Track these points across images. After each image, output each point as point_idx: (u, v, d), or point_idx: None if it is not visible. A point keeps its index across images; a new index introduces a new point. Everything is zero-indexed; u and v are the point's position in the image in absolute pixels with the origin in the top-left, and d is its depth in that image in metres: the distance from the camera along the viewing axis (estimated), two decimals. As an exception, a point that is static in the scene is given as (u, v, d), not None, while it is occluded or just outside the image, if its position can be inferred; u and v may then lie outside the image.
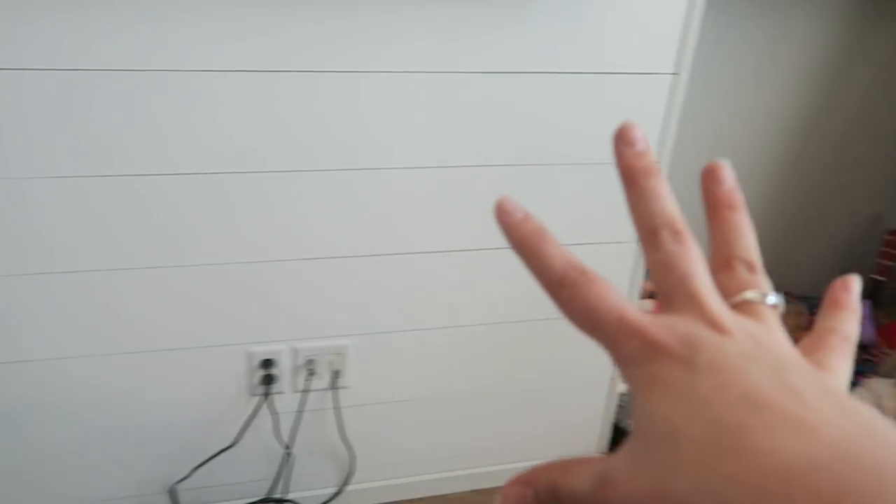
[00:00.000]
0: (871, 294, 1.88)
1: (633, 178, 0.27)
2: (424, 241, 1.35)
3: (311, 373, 1.40)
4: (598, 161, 1.35)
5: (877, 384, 1.45)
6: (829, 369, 0.25)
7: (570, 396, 1.61)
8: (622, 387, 1.67)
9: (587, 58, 1.25)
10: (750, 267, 0.27)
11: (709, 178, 0.29)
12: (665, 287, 0.25)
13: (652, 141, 1.35)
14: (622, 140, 0.28)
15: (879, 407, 1.40)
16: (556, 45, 1.22)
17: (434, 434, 1.57)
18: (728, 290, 0.26)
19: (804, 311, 1.87)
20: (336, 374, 1.43)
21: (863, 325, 1.81)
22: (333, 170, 1.23)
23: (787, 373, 0.21)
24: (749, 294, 0.26)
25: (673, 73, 1.30)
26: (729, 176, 0.29)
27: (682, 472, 0.20)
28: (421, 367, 1.48)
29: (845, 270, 1.76)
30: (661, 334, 0.23)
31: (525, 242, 0.26)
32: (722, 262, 0.28)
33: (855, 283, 0.29)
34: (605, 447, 1.70)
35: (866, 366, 1.80)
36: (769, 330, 0.24)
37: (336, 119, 1.19)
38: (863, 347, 1.83)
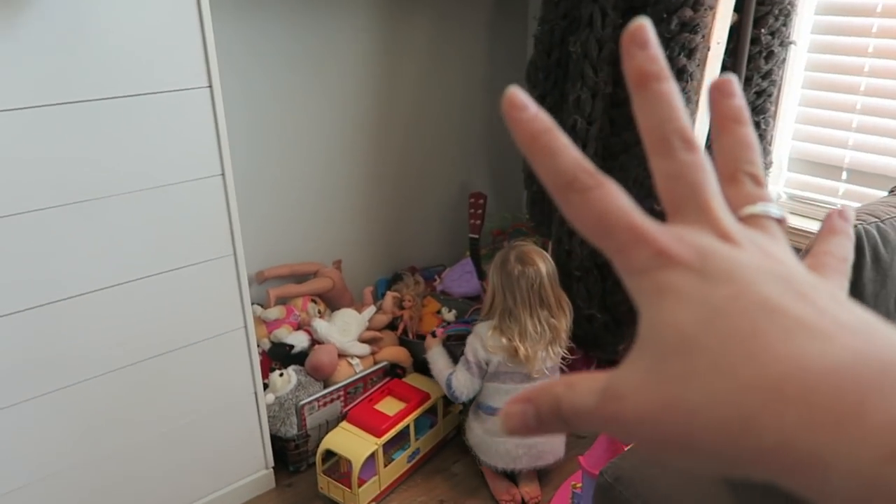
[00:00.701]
0: (472, 252, 2.18)
1: (643, 82, 0.26)
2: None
3: None
4: (165, 183, 1.34)
5: (480, 328, 1.66)
6: (831, 282, 0.26)
7: (219, 422, 1.57)
8: (270, 398, 1.69)
9: (108, 83, 1.23)
10: (756, 181, 0.27)
11: (717, 92, 0.28)
12: (674, 197, 0.25)
13: (211, 157, 1.39)
14: (634, 41, 0.26)
15: (484, 348, 1.61)
16: (60, 74, 1.17)
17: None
18: (735, 203, 0.26)
19: (422, 282, 2.09)
20: None
21: (470, 280, 2.07)
22: None
23: (797, 282, 0.21)
24: (757, 207, 0.26)
25: (208, 86, 1.35)
26: (738, 90, 0.28)
27: (696, 382, 0.20)
28: (30, 444, 1.31)
29: (447, 236, 1.99)
30: (673, 243, 0.22)
31: (536, 140, 0.24)
32: (728, 175, 0.27)
33: (851, 212, 0.30)
34: (270, 460, 1.69)
35: (474, 315, 2.07)
36: (777, 242, 0.24)
37: None
38: (472, 298, 2.11)
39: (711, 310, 0.21)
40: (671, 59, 1.49)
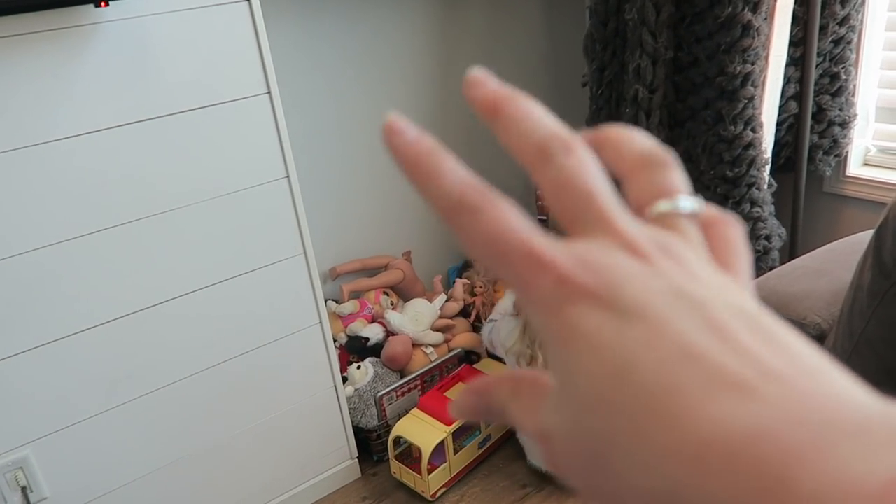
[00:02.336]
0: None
1: (493, 110, 0.24)
2: (80, 319, 1.29)
3: (-7, 499, 1.27)
4: (235, 189, 1.40)
5: (505, 323, 1.62)
6: (735, 270, 0.23)
7: (301, 416, 1.63)
8: (349, 390, 1.73)
9: (174, 99, 1.28)
10: (657, 166, 0.24)
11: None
12: (565, 209, 0.22)
13: (275, 160, 1.43)
14: (470, 86, 0.24)
15: (503, 346, 1.59)
16: (131, 94, 1.24)
17: (181, 502, 1.50)
18: (639, 201, 0.23)
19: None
20: (25, 490, 1.30)
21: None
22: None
23: (714, 308, 0.19)
24: (661, 205, 0.23)
25: (267, 93, 1.38)
26: None
27: (618, 447, 0.18)
28: (130, 445, 1.40)
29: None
30: (576, 268, 0.20)
31: (419, 164, 0.22)
32: (626, 169, 0.24)
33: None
34: (354, 451, 1.74)
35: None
36: (689, 245, 0.22)
37: None
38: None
39: (624, 358, 0.18)
40: (734, 16, 1.41)
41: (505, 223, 0.21)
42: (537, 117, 0.23)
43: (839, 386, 0.17)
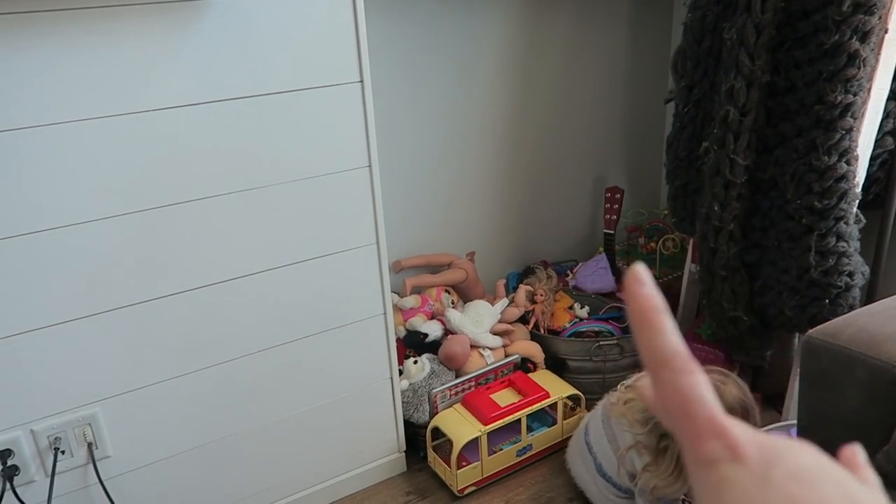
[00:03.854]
0: (606, 248, 2.12)
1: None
2: (156, 287, 1.32)
3: (61, 451, 1.31)
4: (318, 174, 1.41)
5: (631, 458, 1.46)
6: (871, 483, 0.27)
7: (354, 406, 1.64)
8: (404, 384, 1.73)
9: (274, 79, 1.31)
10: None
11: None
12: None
13: (360, 148, 1.44)
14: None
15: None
16: (231, 71, 1.26)
17: (230, 476, 1.53)
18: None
19: (554, 276, 2.07)
20: (91, 447, 1.34)
21: (604, 276, 2.02)
22: (38, 232, 1.17)
23: (847, 484, 0.23)
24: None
25: (359, 82, 1.40)
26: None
27: None
28: (190, 414, 1.43)
29: (580, 231, 1.95)
30: (746, 441, 0.24)
31: (648, 314, 0.26)
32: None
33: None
34: (403, 445, 1.74)
35: (613, 312, 2.02)
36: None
37: (41, 178, 1.14)
38: (606, 295, 2.06)
39: None
40: (840, 44, 1.37)
41: (700, 391, 0.25)
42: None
43: None
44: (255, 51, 1.28)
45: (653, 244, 2.23)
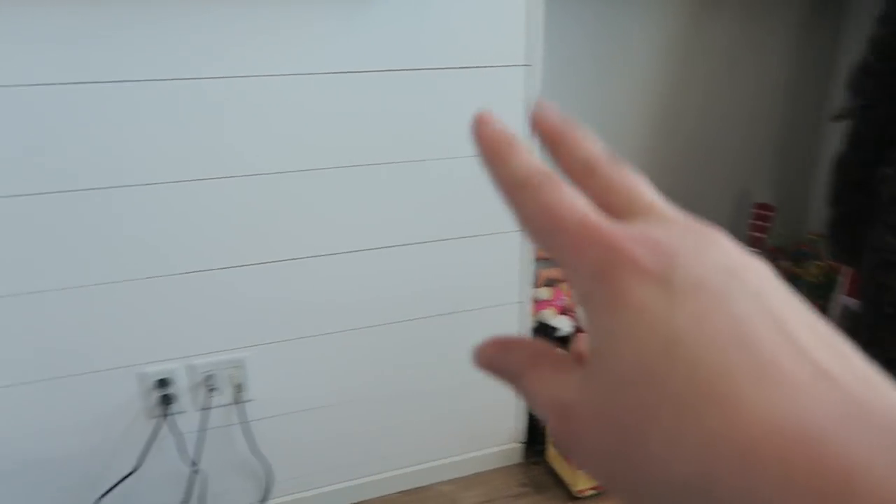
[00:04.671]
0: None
1: (550, 140, 0.24)
2: (310, 246, 1.38)
3: (212, 388, 1.40)
4: (466, 154, 1.43)
5: None
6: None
7: (479, 390, 1.65)
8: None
9: (440, 54, 1.34)
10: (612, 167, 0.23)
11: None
12: (615, 208, 0.22)
13: (517, 129, 1.45)
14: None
15: None
16: (404, 44, 1.30)
17: (352, 439, 1.58)
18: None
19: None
20: (238, 388, 1.42)
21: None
22: (208, 179, 1.26)
23: (768, 297, 0.18)
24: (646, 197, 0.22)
25: (525, 65, 1.41)
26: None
27: (655, 424, 0.17)
28: (326, 372, 1.49)
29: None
30: (630, 241, 0.19)
31: (494, 145, 0.23)
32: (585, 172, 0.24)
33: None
34: (522, 436, 1.74)
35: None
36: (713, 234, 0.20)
37: (201, 130, 1.23)
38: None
39: (674, 333, 0.17)
40: None
41: (564, 198, 0.21)
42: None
43: (894, 397, 0.16)
44: (428, 27, 1.31)
45: (798, 269, 2.10)
